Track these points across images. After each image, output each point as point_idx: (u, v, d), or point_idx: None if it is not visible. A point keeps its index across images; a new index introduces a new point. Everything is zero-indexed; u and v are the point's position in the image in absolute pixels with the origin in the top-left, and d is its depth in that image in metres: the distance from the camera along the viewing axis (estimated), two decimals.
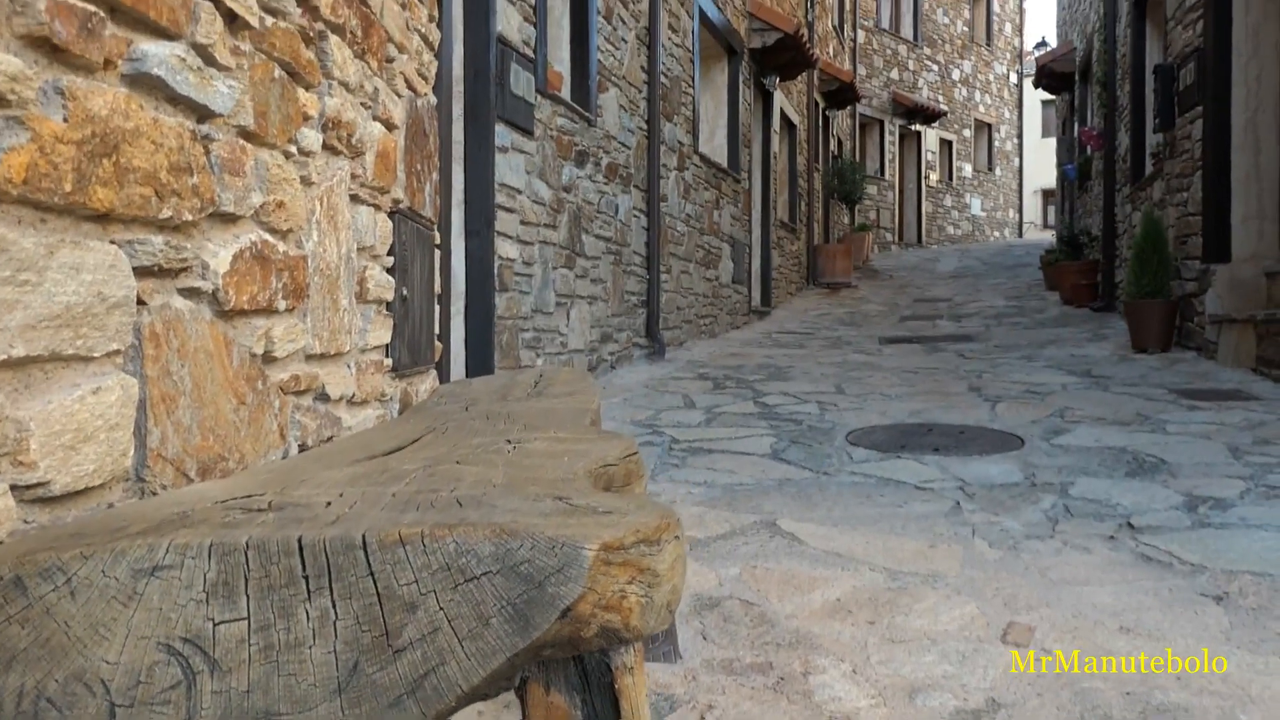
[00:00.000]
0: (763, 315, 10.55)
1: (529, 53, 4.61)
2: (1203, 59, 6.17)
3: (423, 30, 2.61)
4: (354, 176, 1.97)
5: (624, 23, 6.16)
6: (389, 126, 2.24)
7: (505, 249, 4.35)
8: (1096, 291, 10.21)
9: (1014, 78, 24.49)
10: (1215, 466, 3.51)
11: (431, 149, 2.76)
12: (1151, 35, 8.47)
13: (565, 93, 5.37)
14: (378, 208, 2.15)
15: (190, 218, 1.19)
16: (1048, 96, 19.26)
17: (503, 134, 4.30)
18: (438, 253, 2.89)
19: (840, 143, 17.35)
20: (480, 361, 4.11)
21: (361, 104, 2.00)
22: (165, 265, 1.14)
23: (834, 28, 16.07)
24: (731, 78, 9.29)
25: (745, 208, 9.80)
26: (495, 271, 4.22)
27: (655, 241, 6.71)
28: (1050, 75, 14.17)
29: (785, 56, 10.29)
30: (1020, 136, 24.95)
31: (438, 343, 2.84)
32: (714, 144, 9.27)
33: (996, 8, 23.43)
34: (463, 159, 4.06)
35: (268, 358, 1.49)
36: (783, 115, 11.87)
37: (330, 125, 1.79)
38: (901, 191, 20.60)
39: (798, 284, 13.15)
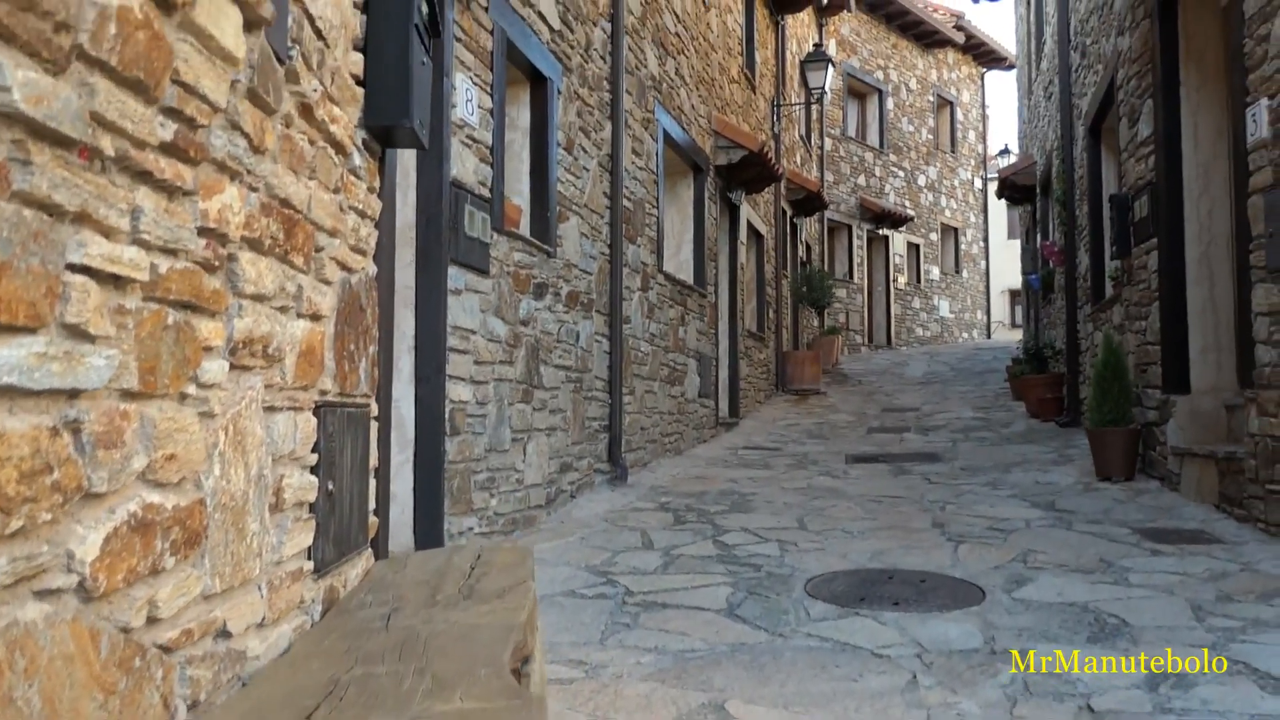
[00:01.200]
0: (730, 427, 10.48)
1: (485, 193, 4.60)
2: (1155, 193, 6.28)
3: (360, 206, 2.56)
4: (271, 385, 1.89)
5: (585, 151, 6.21)
6: (316, 319, 2.17)
7: (458, 392, 4.27)
8: (1062, 405, 10.25)
9: (978, 182, 25.07)
10: (1178, 631, 3.42)
11: (369, 321, 2.69)
12: (1107, 159, 8.66)
13: (524, 227, 5.37)
14: (299, 408, 2.06)
15: (49, 516, 1.10)
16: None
17: (456, 277, 4.26)
18: (376, 424, 2.79)
19: (809, 248, 17.57)
20: (429, 511, 3.99)
21: (281, 309, 1.93)
22: (13, 580, 1.04)
23: (801, 138, 16.41)
24: (697, 194, 9.39)
25: (711, 320, 9.82)
26: (447, 416, 4.13)
27: (618, 365, 6.66)
28: (1013, 187, 14.49)
29: (751, 172, 10.44)
30: (986, 239, 25.43)
31: (373, 518, 2.73)
32: (680, 258, 9.32)
33: (960, 116, 24.09)
34: (414, 305, 4.00)
35: (151, 621, 1.38)
36: (750, 226, 12.01)
37: (241, 346, 1.71)
38: (870, 294, 20.84)
39: (766, 391, 13.14)
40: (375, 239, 2.77)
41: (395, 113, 2.59)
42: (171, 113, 1.40)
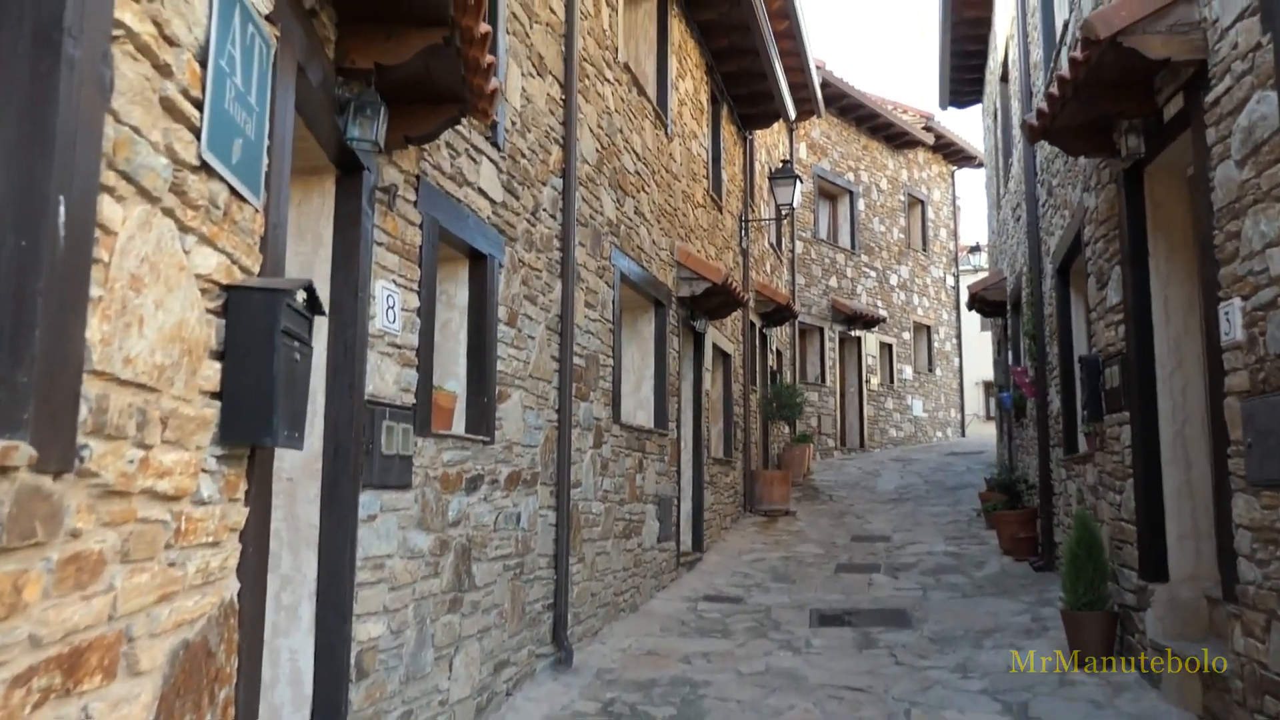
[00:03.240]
0: (692, 565, 10.06)
1: (408, 400, 4.25)
2: (1127, 365, 6.02)
3: (210, 539, 2.20)
4: None
5: (531, 319, 5.89)
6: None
7: (367, 630, 3.87)
8: (1036, 545, 9.91)
9: (950, 279, 25.10)
10: None
11: (222, 661, 2.30)
12: (1075, 301, 8.46)
13: (458, 417, 5.01)
14: None
15: None
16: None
17: (370, 502, 3.89)
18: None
19: (779, 354, 17.35)
20: None
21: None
22: None
23: (771, 245, 16.30)
24: (658, 329, 9.11)
25: (673, 458, 9.46)
26: (352, 662, 3.72)
27: (565, 537, 6.27)
28: (983, 302, 14.33)
29: (715, 300, 10.20)
30: (959, 336, 25.37)
31: None
32: (640, 395, 8.99)
33: (931, 214, 24.19)
34: (317, 544, 3.62)
35: None
36: (715, 349, 11.74)
37: None
38: (843, 396, 20.60)
39: (734, 514, 12.74)
40: (240, 553, 2.41)
41: (256, 429, 2.25)
42: None
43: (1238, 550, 4.56)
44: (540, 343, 6.02)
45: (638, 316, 9.09)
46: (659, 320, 9.11)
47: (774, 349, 16.67)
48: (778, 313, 14.94)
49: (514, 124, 5.64)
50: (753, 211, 14.29)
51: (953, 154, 24.60)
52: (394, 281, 4.11)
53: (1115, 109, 5.50)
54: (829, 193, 20.84)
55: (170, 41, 1.94)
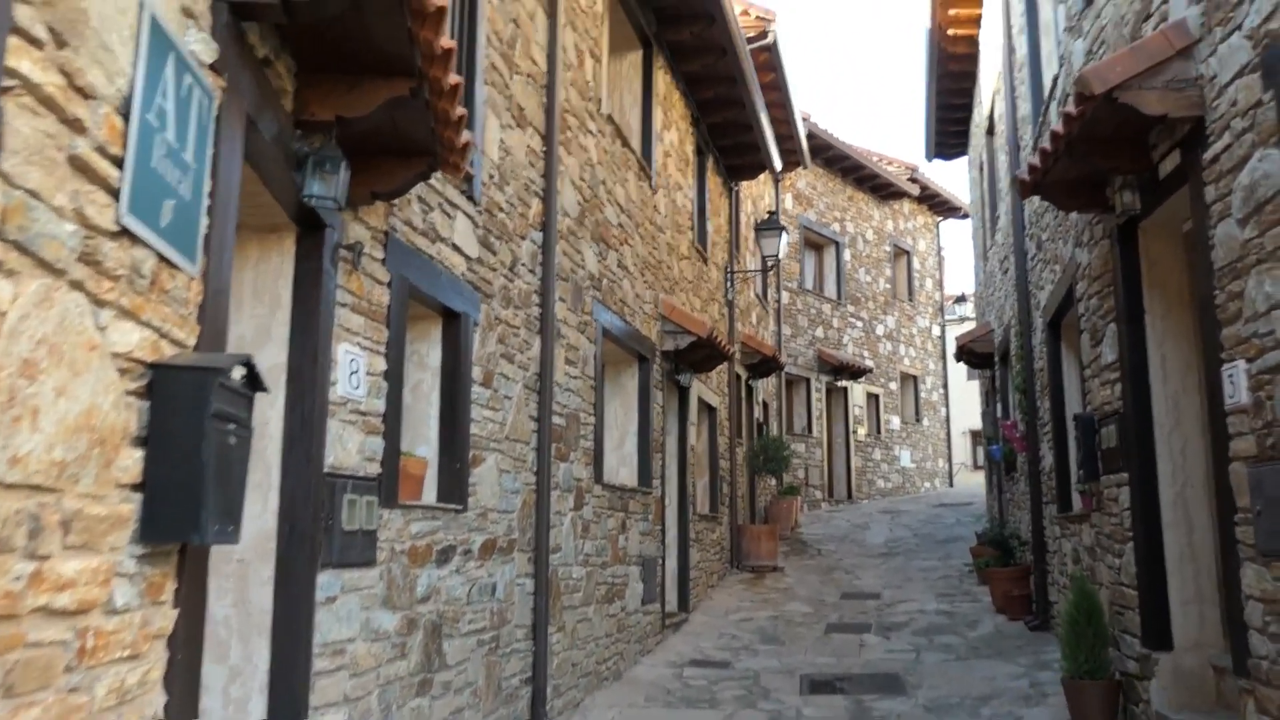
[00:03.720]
0: (678, 626, 9.74)
1: (373, 470, 4.01)
2: (1124, 425, 5.83)
3: (126, 653, 1.95)
4: None
5: (508, 379, 5.67)
6: None
7: None
8: (1030, 603, 9.64)
9: (936, 329, 25.02)
10: None
11: None
12: (1067, 356, 8.29)
13: (429, 485, 4.77)
14: None
15: None
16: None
17: (330, 583, 3.62)
18: None
19: (766, 405, 17.14)
20: None
21: None
22: None
23: (757, 295, 16.16)
24: (642, 383, 8.89)
25: (658, 516, 9.19)
26: None
27: (544, 606, 5.98)
28: (971, 354, 14.19)
29: (700, 354, 9.99)
30: (945, 386, 25.25)
31: None
32: (623, 451, 8.74)
33: (917, 265, 24.17)
34: (269, 631, 3.35)
35: None
36: (701, 402, 11.52)
37: None
38: (830, 447, 20.37)
39: (720, 571, 12.43)
40: (167, 661, 2.15)
41: (182, 526, 2.01)
42: None
43: (1248, 623, 4.33)
44: (518, 403, 5.79)
45: (621, 371, 8.87)
46: (643, 375, 8.89)
47: (760, 400, 16.46)
48: (764, 364, 14.75)
49: (491, 177, 5.46)
50: (738, 262, 14.17)
51: (938, 205, 24.66)
52: (359, 344, 3.89)
53: (1109, 165, 5.36)
54: (815, 243, 20.79)
55: (84, 93, 1.73)
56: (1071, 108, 5.05)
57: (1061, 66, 7.16)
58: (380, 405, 4.08)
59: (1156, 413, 5.66)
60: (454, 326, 4.97)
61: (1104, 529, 6.44)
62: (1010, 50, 9.98)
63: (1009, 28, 10.08)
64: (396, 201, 4.26)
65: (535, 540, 6.00)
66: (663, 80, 9.93)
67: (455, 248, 4.94)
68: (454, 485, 4.87)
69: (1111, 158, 5.34)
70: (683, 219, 10.75)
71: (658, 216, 9.59)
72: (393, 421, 4.18)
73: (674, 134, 10.43)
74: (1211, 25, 4.53)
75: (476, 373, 5.19)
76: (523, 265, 5.95)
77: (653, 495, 8.95)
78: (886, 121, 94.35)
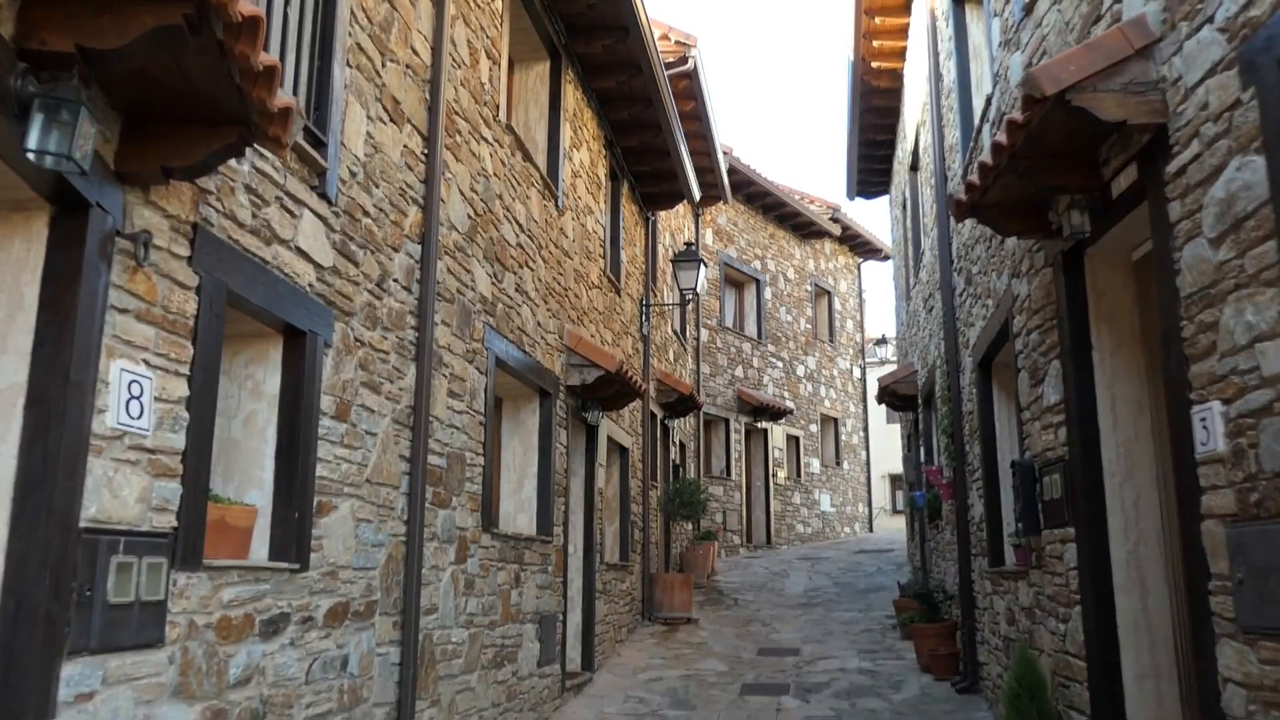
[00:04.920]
0: (581, 688, 8.87)
1: (163, 524, 3.13)
2: (1070, 473, 5.23)
3: None
4: None
5: (372, 412, 4.83)
6: None
7: None
8: (958, 662, 9.03)
9: (857, 371, 24.71)
10: None
11: None
12: (999, 398, 7.75)
13: (259, 537, 3.90)
14: None
15: None
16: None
17: (85, 674, 2.73)
18: None
19: (683, 446, 16.44)
20: None
21: None
22: None
23: (675, 332, 15.52)
24: (543, 421, 8.08)
25: (559, 566, 8.35)
26: None
27: (411, 679, 5.10)
28: (893, 395, 13.70)
29: (610, 390, 9.24)
30: (866, 429, 24.89)
31: None
32: (521, 496, 7.91)
33: (838, 305, 23.87)
34: None
35: None
36: (611, 442, 10.75)
37: None
38: (749, 490, 19.74)
39: (630, 625, 11.60)
40: None
41: None
42: None
43: (1226, 710, 3.68)
44: (384, 440, 4.95)
45: (520, 407, 8.07)
46: (544, 412, 8.09)
47: (677, 441, 15.76)
48: (681, 403, 14.06)
49: (354, 174, 4.65)
50: (655, 295, 13.50)
51: (859, 246, 24.45)
52: (145, 362, 3.04)
53: (1057, 182, 4.79)
54: (735, 280, 20.30)
55: None
56: (1017, 114, 4.46)
57: (995, 85, 6.66)
58: (177, 440, 3.22)
59: (1106, 460, 5.06)
60: (298, 347, 4.13)
61: (1045, 589, 5.83)
62: (937, 77, 9.56)
63: (935, 54, 9.67)
64: (215, 189, 3.43)
65: (404, 601, 5.14)
66: (573, 95, 9.25)
67: (301, 253, 4.12)
68: (291, 539, 4.01)
69: (1059, 174, 4.76)
70: (594, 245, 10.04)
71: (565, 240, 8.86)
72: (197, 461, 3.32)
73: (585, 154, 9.74)
74: (1175, 20, 3.99)
75: (328, 403, 4.35)
76: (395, 281, 5.14)
77: (553, 544, 8.12)
78: (808, 160, 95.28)
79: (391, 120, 5.09)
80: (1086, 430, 5.11)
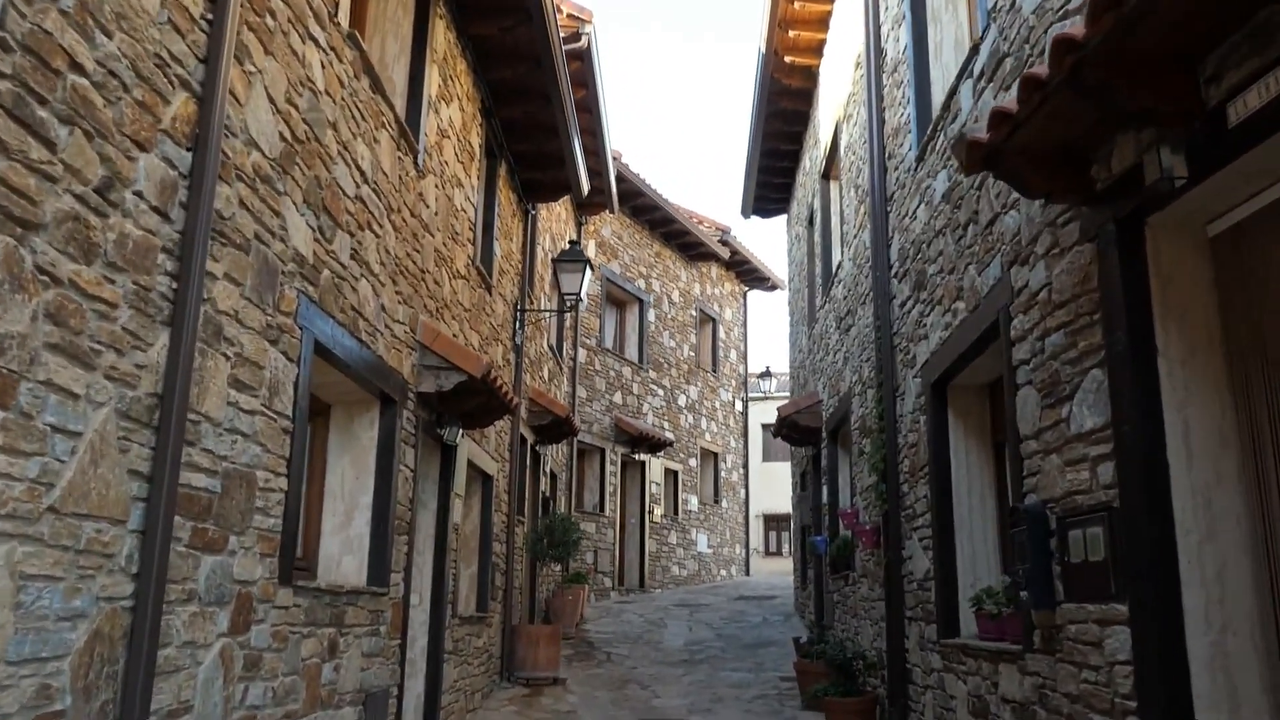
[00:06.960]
0: None
1: None
2: (1116, 528, 3.71)
3: None
4: None
5: (74, 395, 2.92)
6: None
7: None
8: None
9: (739, 405, 23.40)
10: None
11: None
12: (956, 428, 6.30)
13: None
14: None
15: None
16: (769, 419, 17.27)
17: None
18: None
19: (554, 477, 14.64)
20: None
21: None
22: None
23: (550, 347, 13.76)
24: (385, 435, 6.19)
25: (396, 626, 6.43)
26: None
27: None
28: (793, 427, 12.25)
29: (473, 402, 7.41)
30: (746, 466, 23.57)
31: None
32: (349, 534, 5.99)
33: (723, 334, 22.56)
34: None
35: None
36: (473, 468, 8.87)
37: None
38: (623, 528, 18.02)
39: (486, 689, 9.66)
40: None
41: None
42: None
43: None
44: (94, 444, 3.03)
45: (354, 416, 6.16)
46: (386, 423, 6.20)
47: (548, 470, 13.95)
48: (555, 426, 12.28)
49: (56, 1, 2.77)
50: (532, 301, 11.73)
51: (746, 273, 23.25)
52: None
53: (1143, 103, 3.28)
54: (618, 299, 18.69)
55: None
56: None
57: (988, 28, 5.22)
58: None
59: (1179, 511, 3.56)
60: None
61: (1060, 684, 4.28)
62: (878, 52, 8.18)
63: (875, 28, 8.30)
64: None
65: (122, 702, 3.19)
66: (444, 35, 7.46)
67: None
68: None
69: (1151, 89, 3.26)
70: (462, 226, 8.22)
71: (424, 210, 7.02)
72: None
73: (456, 113, 7.94)
74: None
75: None
76: (137, 195, 3.25)
77: (388, 596, 6.20)
78: (700, 177, 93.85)
79: None
80: (1150, 468, 3.61)
